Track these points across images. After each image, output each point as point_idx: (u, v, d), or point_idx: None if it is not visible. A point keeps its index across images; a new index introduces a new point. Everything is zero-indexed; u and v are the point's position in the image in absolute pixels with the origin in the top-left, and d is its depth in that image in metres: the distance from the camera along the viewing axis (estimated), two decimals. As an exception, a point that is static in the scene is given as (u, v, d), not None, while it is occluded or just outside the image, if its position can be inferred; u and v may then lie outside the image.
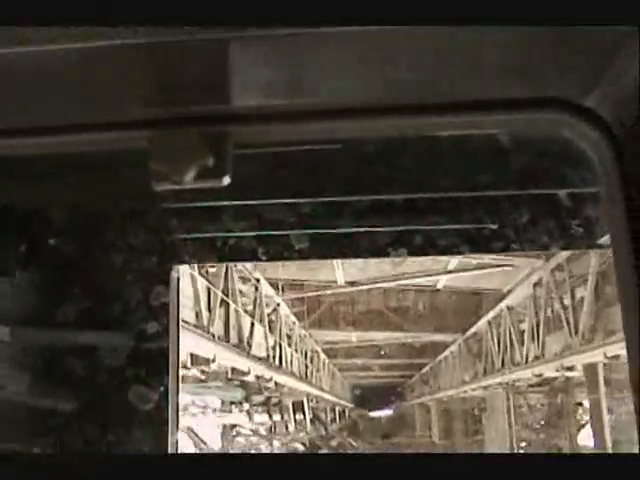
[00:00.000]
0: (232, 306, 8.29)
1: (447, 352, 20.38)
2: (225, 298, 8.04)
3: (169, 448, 2.04)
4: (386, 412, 35.17)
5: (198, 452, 10.53)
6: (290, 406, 14.83)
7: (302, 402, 15.57)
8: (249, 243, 2.21)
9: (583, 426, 14.13)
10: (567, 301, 9.49)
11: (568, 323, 9.24)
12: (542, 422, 15.71)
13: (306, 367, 15.53)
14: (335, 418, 26.96)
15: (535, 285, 10.98)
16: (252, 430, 13.60)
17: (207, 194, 1.87)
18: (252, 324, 9.09)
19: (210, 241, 2.22)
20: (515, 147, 1.56)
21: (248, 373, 8.29)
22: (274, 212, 2.14)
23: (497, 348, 13.64)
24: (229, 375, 9.17)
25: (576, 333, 8.97)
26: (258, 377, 9.23)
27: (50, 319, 2.18)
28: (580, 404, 14.32)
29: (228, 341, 7.79)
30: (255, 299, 9.59)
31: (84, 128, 1.27)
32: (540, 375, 10.54)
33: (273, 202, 2.11)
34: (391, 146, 1.60)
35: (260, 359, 9.27)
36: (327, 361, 21.30)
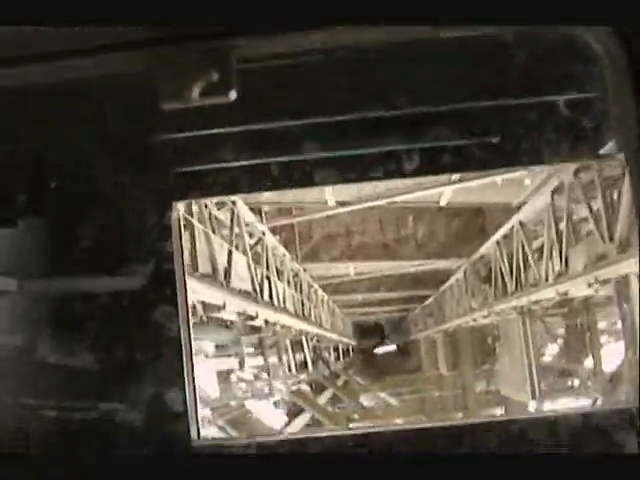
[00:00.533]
0: (208, 235, 7.00)
1: (452, 280, 19.12)
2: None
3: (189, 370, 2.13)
4: (390, 347, 34.38)
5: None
6: (289, 346, 13.58)
7: (301, 342, 14.29)
8: (247, 173, 2.22)
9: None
10: (597, 206, 8.13)
11: (600, 231, 7.89)
12: (562, 346, 14.58)
13: (302, 304, 14.26)
14: (339, 357, 25.92)
15: (554, 191, 9.60)
16: (254, 375, 12.66)
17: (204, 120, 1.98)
18: (230, 253, 7.73)
19: (205, 174, 2.22)
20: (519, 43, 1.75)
21: (223, 307, 7.17)
22: (273, 134, 2.13)
23: (509, 269, 12.35)
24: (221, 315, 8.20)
25: (611, 240, 7.62)
26: (241, 314, 7.88)
27: (60, 262, 2.24)
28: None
29: (196, 270, 6.46)
30: (232, 224, 8.18)
31: (86, 52, 1.39)
32: (565, 294, 9.22)
33: (271, 125, 2.11)
34: (390, 54, 1.77)
35: (245, 293, 7.93)
36: (325, 297, 20.11)
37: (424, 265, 18.18)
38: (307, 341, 13.98)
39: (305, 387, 17.73)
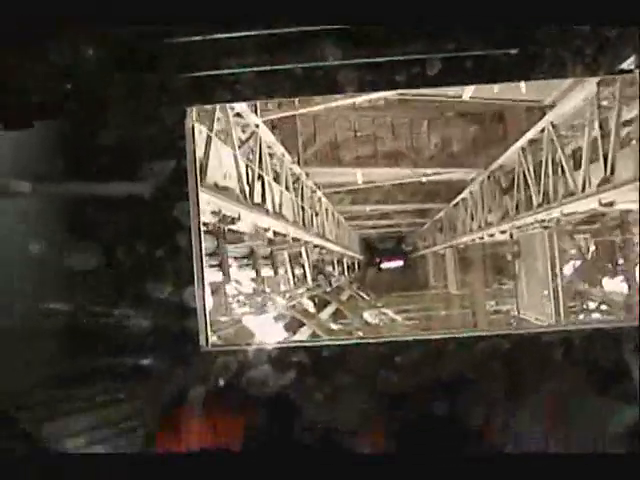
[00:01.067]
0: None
1: (466, 192, 17.66)
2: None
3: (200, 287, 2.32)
4: (397, 263, 33.23)
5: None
6: (286, 258, 12.28)
7: (299, 253, 12.99)
8: (267, 79, 2.23)
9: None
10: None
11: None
12: (592, 265, 13.29)
13: (302, 211, 12.89)
14: (343, 271, 24.76)
15: (600, 84, 8.05)
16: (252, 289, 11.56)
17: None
18: (209, 140, 6.30)
19: (223, 78, 2.25)
20: None
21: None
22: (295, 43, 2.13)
23: (536, 179, 10.89)
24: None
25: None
26: (216, 213, 6.49)
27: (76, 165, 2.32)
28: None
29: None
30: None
31: None
32: (611, 204, 7.79)
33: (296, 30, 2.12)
34: None
35: (223, 189, 6.55)
36: (330, 208, 18.78)
37: (437, 174, 16.64)
38: (307, 253, 12.66)
39: (307, 302, 17.05)
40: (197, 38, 2.13)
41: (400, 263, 33.08)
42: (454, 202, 20.44)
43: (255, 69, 2.22)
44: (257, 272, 10.22)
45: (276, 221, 9.59)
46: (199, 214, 2.41)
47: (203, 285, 2.42)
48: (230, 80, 2.26)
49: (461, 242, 20.84)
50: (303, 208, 12.78)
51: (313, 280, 13.99)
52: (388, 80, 2.32)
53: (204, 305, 2.43)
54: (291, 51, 2.12)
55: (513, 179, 12.28)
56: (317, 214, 14.08)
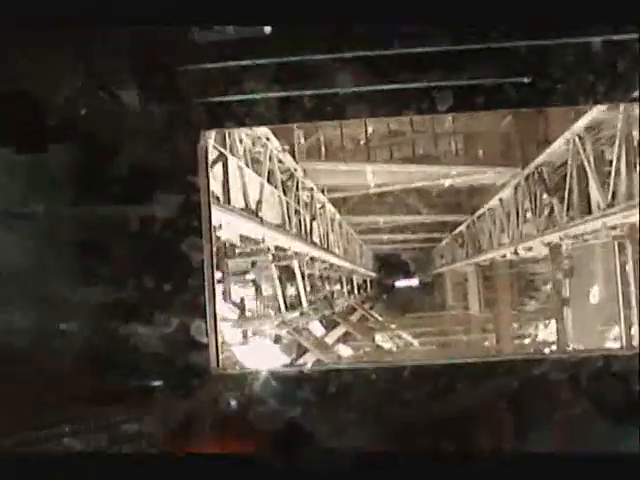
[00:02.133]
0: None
1: (495, 200, 15.05)
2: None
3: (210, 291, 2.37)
4: (413, 281, 30.38)
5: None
6: (274, 274, 9.69)
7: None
8: (278, 104, 2.27)
9: None
10: None
11: None
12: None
13: (299, 218, 10.32)
14: (352, 289, 22.14)
15: None
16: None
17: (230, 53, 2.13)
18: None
19: (235, 104, 2.30)
20: None
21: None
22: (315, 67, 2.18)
23: (597, 175, 8.32)
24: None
25: None
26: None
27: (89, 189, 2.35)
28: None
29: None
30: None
31: None
32: None
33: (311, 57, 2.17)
34: None
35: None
36: (337, 216, 16.25)
37: (463, 175, 13.93)
38: (300, 268, 10.05)
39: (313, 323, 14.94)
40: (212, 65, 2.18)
41: (415, 282, 30.31)
42: (479, 212, 17.84)
43: (264, 95, 2.26)
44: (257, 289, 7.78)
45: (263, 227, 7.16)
46: (211, 234, 2.45)
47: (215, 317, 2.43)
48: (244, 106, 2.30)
49: (487, 258, 18.17)
50: (297, 211, 10.20)
51: (311, 303, 11.35)
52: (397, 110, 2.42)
53: (216, 333, 2.44)
54: (302, 79, 2.16)
55: (565, 175, 9.65)
56: (314, 218, 11.44)
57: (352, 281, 20.87)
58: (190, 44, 2.03)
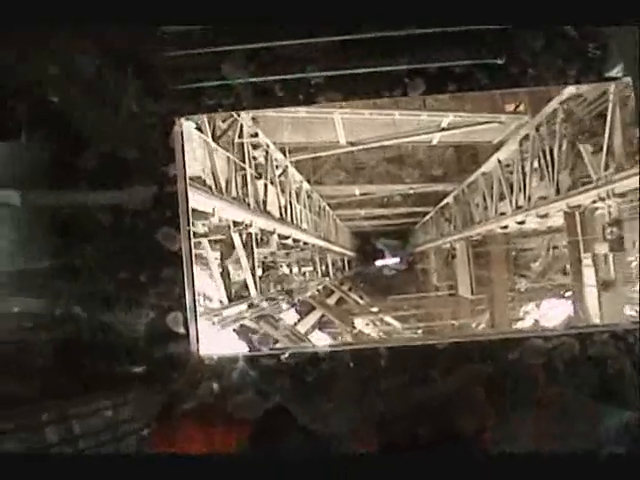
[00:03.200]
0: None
1: (495, 157, 12.48)
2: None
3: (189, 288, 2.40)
4: (394, 259, 28.22)
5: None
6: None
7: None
8: (263, 87, 2.31)
9: None
10: None
11: None
12: None
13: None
14: (328, 271, 19.60)
15: None
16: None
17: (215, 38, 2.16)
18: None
19: (216, 89, 2.33)
20: None
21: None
22: (286, 53, 2.22)
23: None
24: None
25: None
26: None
27: (64, 176, 2.33)
28: None
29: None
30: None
31: None
32: None
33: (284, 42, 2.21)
34: None
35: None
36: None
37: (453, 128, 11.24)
38: (245, 244, 7.43)
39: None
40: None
41: (397, 260, 28.18)
42: (469, 179, 15.32)
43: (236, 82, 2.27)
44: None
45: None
46: (189, 214, 2.44)
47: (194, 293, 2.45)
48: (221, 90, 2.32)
49: (483, 231, 15.59)
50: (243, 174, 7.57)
51: (263, 293, 8.72)
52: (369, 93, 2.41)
53: (196, 322, 2.44)
54: (275, 64, 2.18)
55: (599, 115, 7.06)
56: (259, 177, 8.76)
57: (326, 261, 18.20)
58: (159, 34, 2.05)
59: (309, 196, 14.50)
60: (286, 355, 2.45)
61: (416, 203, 21.48)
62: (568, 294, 13.22)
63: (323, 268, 18.08)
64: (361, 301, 23.44)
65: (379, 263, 27.97)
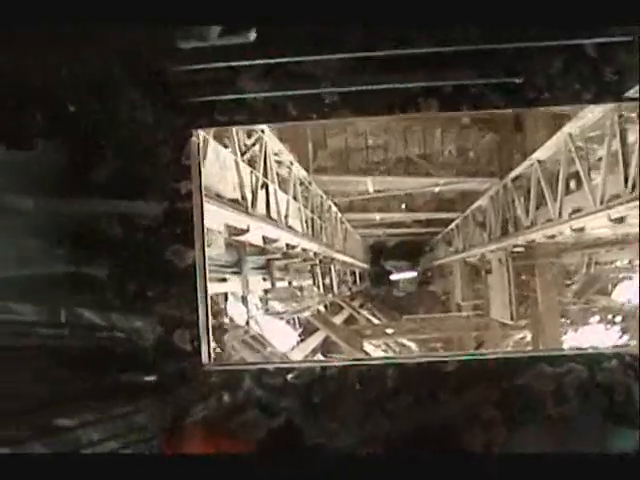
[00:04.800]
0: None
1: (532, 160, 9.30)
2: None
3: (203, 304, 2.39)
4: (411, 274, 25.90)
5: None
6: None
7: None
8: (274, 102, 2.30)
9: None
10: None
11: None
12: None
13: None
14: (331, 284, 16.41)
15: None
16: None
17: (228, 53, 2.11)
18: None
19: (231, 103, 2.33)
20: None
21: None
22: (300, 69, 2.21)
23: None
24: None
25: None
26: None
27: (78, 186, 2.34)
28: None
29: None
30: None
31: None
32: None
33: (298, 59, 2.20)
34: None
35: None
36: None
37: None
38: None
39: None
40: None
41: (414, 273, 26.11)
42: (511, 175, 12.13)
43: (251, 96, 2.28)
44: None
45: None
46: (203, 220, 2.45)
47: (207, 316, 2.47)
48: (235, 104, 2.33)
49: (515, 242, 12.49)
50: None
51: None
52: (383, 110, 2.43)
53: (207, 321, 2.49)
54: (289, 80, 2.17)
55: None
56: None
57: (331, 272, 15.00)
58: (176, 49, 1.99)
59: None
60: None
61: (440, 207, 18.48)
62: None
63: (328, 281, 14.89)
64: (374, 320, 21.19)
65: (396, 277, 25.84)
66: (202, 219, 2.41)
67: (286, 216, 8.71)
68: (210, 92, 2.28)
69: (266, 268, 9.47)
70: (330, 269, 14.72)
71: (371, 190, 15.32)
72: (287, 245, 9.09)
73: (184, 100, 2.30)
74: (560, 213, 8.95)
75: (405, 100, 2.28)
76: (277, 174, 8.10)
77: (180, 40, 1.77)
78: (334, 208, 14.88)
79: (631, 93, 2.17)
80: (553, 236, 9.94)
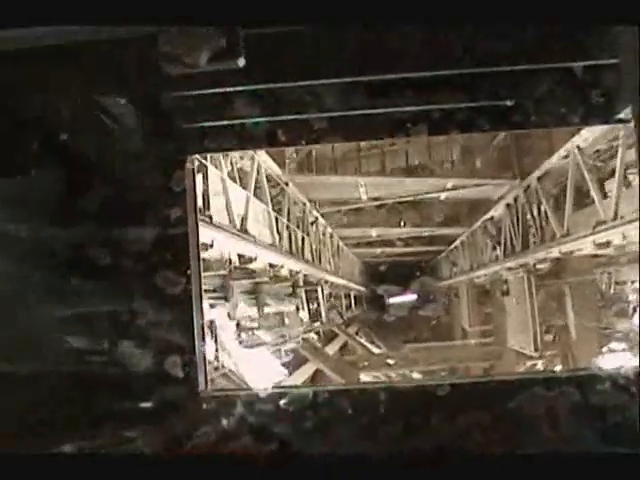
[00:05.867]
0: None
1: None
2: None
3: (195, 330, 2.25)
4: (410, 297, 23.76)
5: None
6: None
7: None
8: (267, 128, 2.25)
9: None
10: None
11: None
12: None
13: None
14: (318, 311, 14.42)
15: None
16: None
17: (220, 79, 2.00)
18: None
19: (225, 129, 2.26)
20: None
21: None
22: (290, 95, 2.16)
23: None
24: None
25: None
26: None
27: (70, 213, 2.25)
28: None
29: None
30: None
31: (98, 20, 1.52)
32: None
33: (288, 85, 2.13)
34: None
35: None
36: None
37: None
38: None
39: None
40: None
41: (413, 297, 23.97)
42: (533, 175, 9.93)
43: (241, 121, 2.29)
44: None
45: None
46: (198, 243, 2.42)
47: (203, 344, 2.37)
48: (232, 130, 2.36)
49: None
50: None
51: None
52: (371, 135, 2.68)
53: (204, 359, 2.39)
54: (278, 105, 2.19)
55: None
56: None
57: (317, 296, 12.91)
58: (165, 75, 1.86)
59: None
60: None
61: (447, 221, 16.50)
62: None
63: (315, 306, 12.74)
64: (372, 348, 19.22)
65: (393, 301, 23.79)
66: (197, 245, 2.30)
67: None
68: (201, 119, 2.25)
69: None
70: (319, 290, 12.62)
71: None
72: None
73: (175, 126, 2.27)
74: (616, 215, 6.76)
75: (395, 125, 2.25)
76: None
77: (168, 66, 1.66)
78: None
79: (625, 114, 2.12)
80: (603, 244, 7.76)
